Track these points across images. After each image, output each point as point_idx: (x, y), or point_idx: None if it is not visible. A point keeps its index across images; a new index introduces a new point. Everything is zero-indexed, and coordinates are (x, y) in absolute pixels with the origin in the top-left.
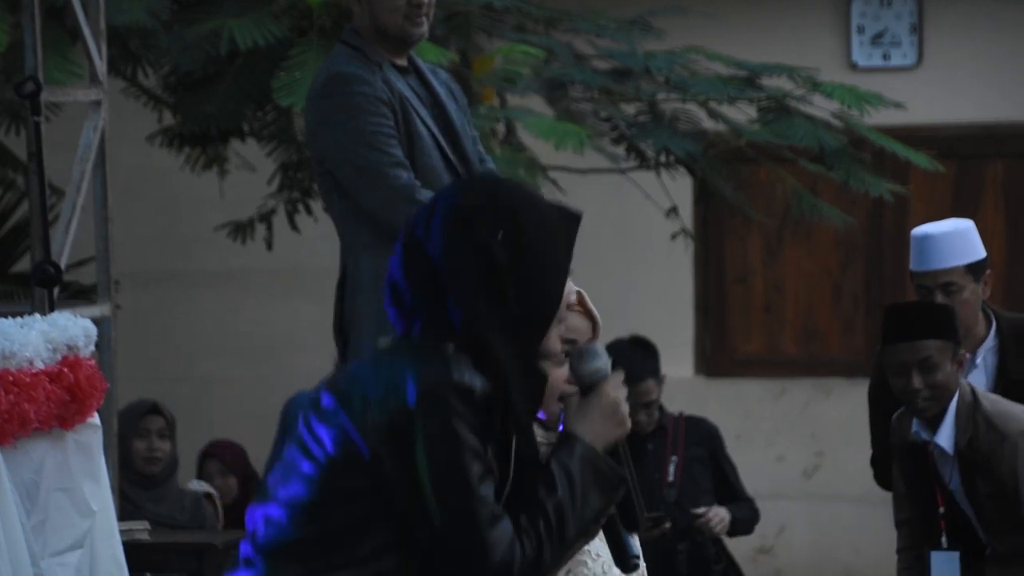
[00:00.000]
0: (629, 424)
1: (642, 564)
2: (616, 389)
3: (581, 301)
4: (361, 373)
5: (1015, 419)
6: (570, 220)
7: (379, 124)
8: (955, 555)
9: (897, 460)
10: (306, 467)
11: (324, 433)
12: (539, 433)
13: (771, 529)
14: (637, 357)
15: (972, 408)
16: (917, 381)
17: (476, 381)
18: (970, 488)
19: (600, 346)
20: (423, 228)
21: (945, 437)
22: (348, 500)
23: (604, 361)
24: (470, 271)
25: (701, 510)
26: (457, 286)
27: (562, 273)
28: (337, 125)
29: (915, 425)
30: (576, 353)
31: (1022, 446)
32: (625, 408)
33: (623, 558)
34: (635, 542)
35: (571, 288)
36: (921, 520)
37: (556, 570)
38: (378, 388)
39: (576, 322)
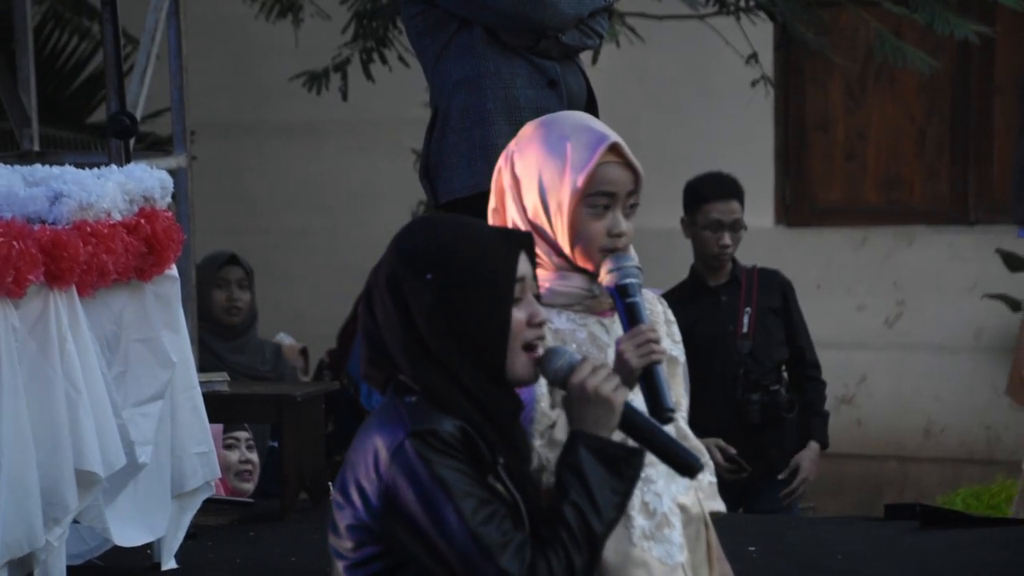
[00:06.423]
0: (618, 396)
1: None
2: (582, 374)
3: (620, 152)
4: (351, 457)
5: None
6: (514, 243)
7: None
8: None
9: None
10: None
11: (344, 525)
12: (584, 285)
13: (852, 378)
14: (722, 181)
15: None
16: None
17: (442, 424)
18: None
19: (560, 345)
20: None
21: None
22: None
23: (567, 356)
24: (399, 320)
25: (793, 484)
26: (392, 337)
27: (503, 302)
28: None
29: None
30: (540, 362)
31: None
32: (605, 385)
33: (659, 410)
34: (671, 395)
35: (537, 311)
36: None
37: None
38: (362, 469)
39: (616, 174)
